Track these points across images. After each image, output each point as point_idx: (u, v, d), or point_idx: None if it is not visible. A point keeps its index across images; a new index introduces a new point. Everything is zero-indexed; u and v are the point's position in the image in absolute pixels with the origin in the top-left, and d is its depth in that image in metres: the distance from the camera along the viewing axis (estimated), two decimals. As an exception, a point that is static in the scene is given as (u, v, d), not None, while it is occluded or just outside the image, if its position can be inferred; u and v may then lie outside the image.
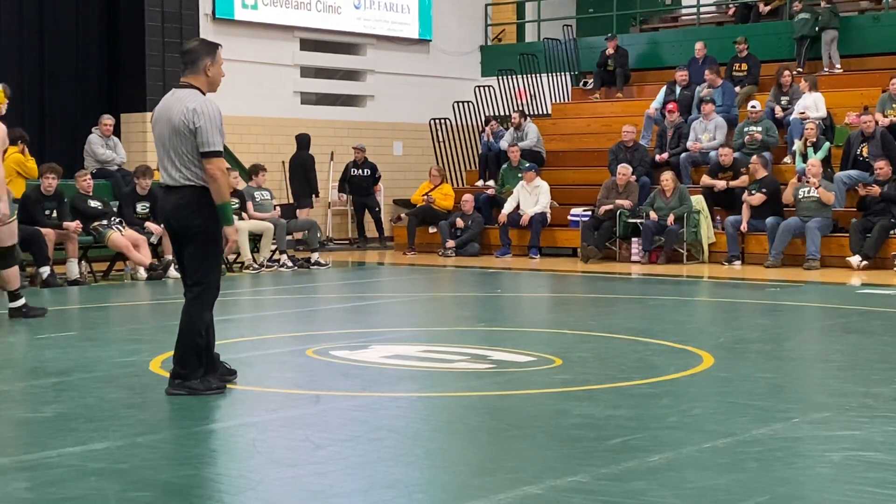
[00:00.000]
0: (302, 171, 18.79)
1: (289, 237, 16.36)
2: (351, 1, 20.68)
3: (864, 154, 15.68)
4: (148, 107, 17.02)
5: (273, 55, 19.54)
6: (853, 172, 15.71)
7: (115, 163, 15.83)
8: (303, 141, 19.01)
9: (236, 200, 14.70)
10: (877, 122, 15.89)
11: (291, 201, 18.35)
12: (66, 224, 13.31)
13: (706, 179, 16.50)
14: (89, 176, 14.25)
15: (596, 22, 22.79)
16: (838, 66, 18.58)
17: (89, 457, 5.04)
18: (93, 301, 12.01)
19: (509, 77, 21.36)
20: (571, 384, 6.79)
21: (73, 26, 17.86)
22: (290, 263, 15.40)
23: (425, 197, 18.37)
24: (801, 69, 18.49)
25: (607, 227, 16.32)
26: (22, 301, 10.05)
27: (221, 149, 6.41)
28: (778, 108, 17.37)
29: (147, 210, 14.38)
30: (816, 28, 18.59)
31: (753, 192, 15.65)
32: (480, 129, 20.22)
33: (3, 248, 9.97)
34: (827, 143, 16.17)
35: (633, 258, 16.07)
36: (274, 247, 15.58)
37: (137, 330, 9.68)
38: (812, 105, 16.76)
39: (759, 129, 16.82)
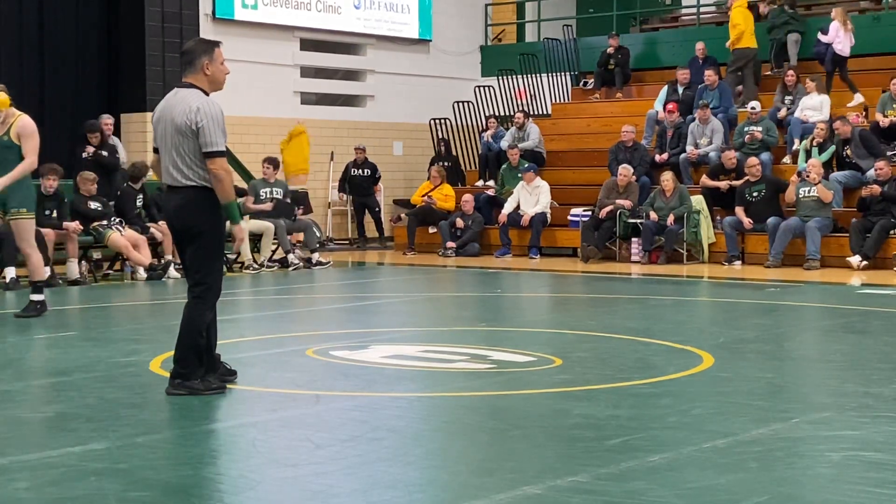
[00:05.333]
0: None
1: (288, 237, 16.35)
2: (351, 1, 20.68)
3: (849, 155, 15.78)
4: (148, 107, 17.02)
5: (273, 55, 19.54)
6: (846, 172, 15.79)
7: (115, 163, 15.82)
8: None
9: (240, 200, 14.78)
10: (877, 122, 15.99)
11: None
12: (66, 224, 13.32)
13: (706, 180, 16.50)
14: (96, 179, 14.25)
15: (596, 22, 22.78)
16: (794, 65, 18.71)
17: (89, 457, 5.04)
18: (93, 301, 12.01)
19: (509, 77, 21.36)
20: (571, 384, 6.79)
21: (73, 26, 17.85)
22: (296, 261, 15.41)
23: (425, 197, 18.37)
24: (778, 69, 18.53)
25: (607, 227, 16.32)
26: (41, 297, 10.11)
27: (224, 149, 6.40)
28: (784, 111, 17.36)
29: (143, 204, 14.47)
30: (785, 31, 18.72)
31: (755, 193, 15.66)
32: (480, 129, 20.23)
33: None
34: (833, 147, 16.16)
35: (633, 258, 16.06)
36: (274, 247, 15.59)
37: (137, 330, 9.68)
38: (817, 106, 16.76)
39: (760, 128, 16.83)
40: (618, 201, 16.31)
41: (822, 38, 17.68)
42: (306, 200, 18.13)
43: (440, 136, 20.42)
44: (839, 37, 17.60)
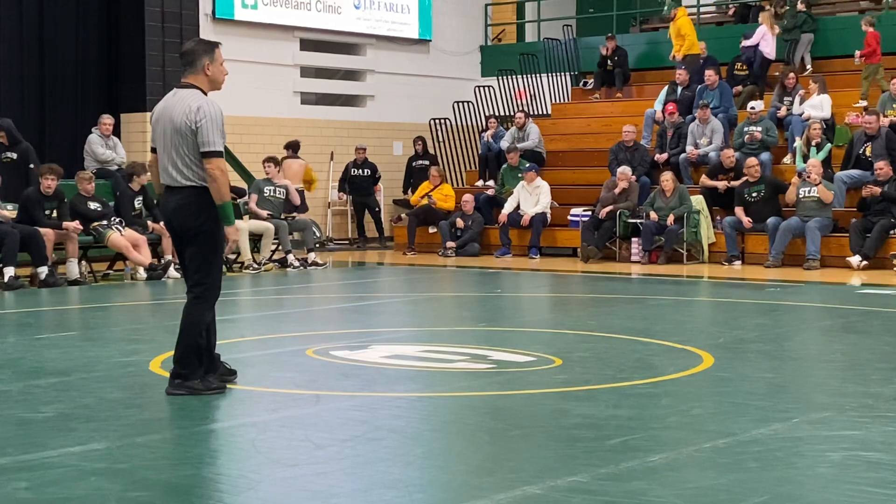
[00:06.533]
0: None
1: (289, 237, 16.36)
2: (351, 1, 20.68)
3: (868, 153, 15.70)
4: (148, 107, 17.02)
5: (273, 55, 19.54)
6: (854, 172, 15.72)
7: (114, 163, 15.81)
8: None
9: (237, 198, 14.80)
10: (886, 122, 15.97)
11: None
12: (65, 224, 13.31)
13: (705, 180, 16.50)
14: (92, 178, 14.23)
15: (596, 22, 22.79)
16: (809, 67, 18.71)
17: (89, 457, 5.04)
18: (93, 301, 12.01)
19: (509, 77, 21.36)
20: (571, 384, 6.79)
21: (73, 26, 17.86)
22: (296, 263, 15.41)
23: (426, 197, 18.36)
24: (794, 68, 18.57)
25: (607, 227, 16.32)
26: None
27: (222, 149, 6.41)
28: (783, 109, 17.36)
29: (142, 205, 14.48)
30: (800, 31, 18.80)
31: (755, 193, 15.66)
32: (480, 129, 20.23)
33: None
34: (829, 145, 16.17)
35: (633, 258, 16.06)
36: (275, 247, 15.58)
37: (137, 330, 9.68)
38: (818, 105, 16.75)
39: (759, 128, 16.82)
40: (616, 191, 16.30)
41: (745, 42, 18.61)
42: (303, 198, 18.16)
43: (417, 135, 20.38)
44: (765, 40, 18.08)
